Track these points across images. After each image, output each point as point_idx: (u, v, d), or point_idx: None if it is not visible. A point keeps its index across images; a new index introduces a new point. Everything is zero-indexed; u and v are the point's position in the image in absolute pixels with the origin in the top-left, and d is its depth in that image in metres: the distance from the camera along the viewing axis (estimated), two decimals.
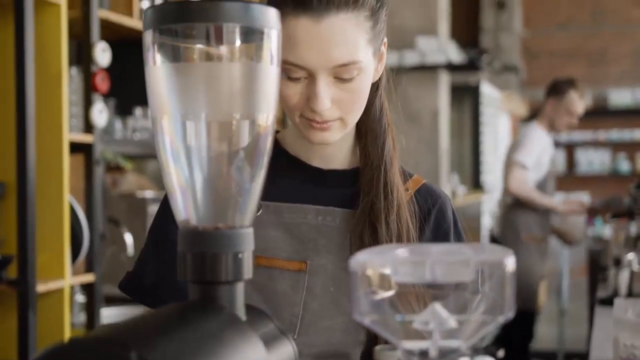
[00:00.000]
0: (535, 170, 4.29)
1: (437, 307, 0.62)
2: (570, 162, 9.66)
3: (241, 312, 0.68)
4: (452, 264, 0.60)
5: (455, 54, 6.19)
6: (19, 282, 2.54)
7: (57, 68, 2.68)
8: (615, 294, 2.74)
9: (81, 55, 2.96)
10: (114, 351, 0.53)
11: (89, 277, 2.89)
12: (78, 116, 2.88)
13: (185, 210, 0.69)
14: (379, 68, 1.20)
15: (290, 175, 1.23)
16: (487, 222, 6.85)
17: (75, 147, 2.82)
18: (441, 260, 0.60)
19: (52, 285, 2.66)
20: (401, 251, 0.64)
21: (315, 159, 1.24)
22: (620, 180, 9.09)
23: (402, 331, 0.62)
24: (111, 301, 3.07)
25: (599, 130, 9.49)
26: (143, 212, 3.33)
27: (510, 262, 0.60)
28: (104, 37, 2.97)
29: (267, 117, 0.69)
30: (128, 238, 3.19)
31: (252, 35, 0.67)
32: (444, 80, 6.09)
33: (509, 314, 0.60)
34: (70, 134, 2.76)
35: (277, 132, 1.24)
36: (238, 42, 0.67)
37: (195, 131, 0.68)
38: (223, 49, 0.67)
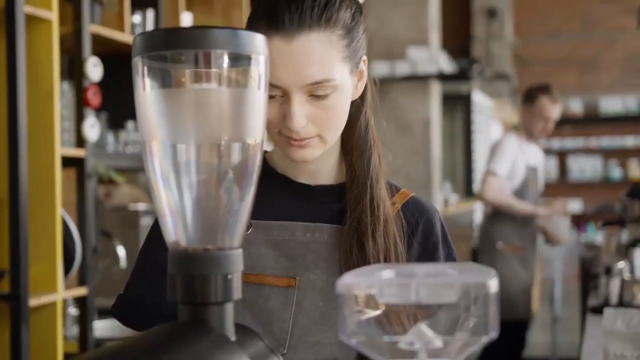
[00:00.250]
0: (510, 178, 4.30)
1: (423, 327, 0.63)
2: (562, 169, 9.71)
3: (230, 332, 0.69)
4: (437, 286, 0.62)
5: (446, 64, 6.22)
6: (12, 296, 2.55)
7: (49, 83, 2.69)
8: (606, 302, 2.75)
9: (73, 70, 2.97)
10: None
11: (81, 291, 2.89)
12: (70, 130, 2.89)
13: (175, 232, 0.70)
14: (358, 85, 1.22)
15: (279, 193, 1.24)
16: None
17: (67, 162, 2.83)
18: (426, 282, 0.62)
19: (44, 299, 2.66)
20: (387, 272, 0.65)
21: (302, 175, 1.25)
22: (612, 187, 9.13)
23: (388, 351, 0.63)
24: (104, 314, 3.07)
25: (590, 138, 9.54)
26: (135, 225, 3.33)
27: (493, 284, 0.61)
28: (96, 50, 2.99)
29: (255, 140, 0.71)
30: (120, 251, 3.19)
31: (240, 61, 0.69)
32: (436, 90, 6.12)
33: (493, 334, 0.62)
34: (62, 148, 2.77)
35: (265, 151, 1.25)
36: (226, 68, 0.68)
37: (185, 155, 0.69)
38: (212, 75, 0.68)
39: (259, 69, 0.70)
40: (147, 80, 0.69)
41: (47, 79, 2.69)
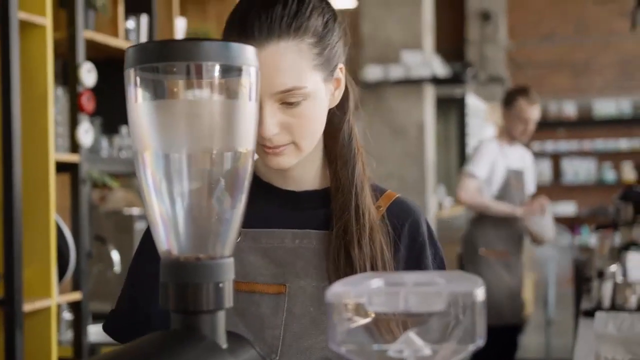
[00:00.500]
0: (489, 182, 4.31)
1: (412, 335, 0.64)
2: (556, 172, 9.73)
3: (222, 340, 0.70)
4: (425, 295, 0.63)
5: (440, 68, 6.24)
6: (6, 301, 2.55)
7: (43, 88, 2.70)
8: (599, 305, 2.75)
9: (67, 75, 2.98)
10: None
11: (75, 295, 2.90)
12: (64, 136, 2.90)
13: (167, 241, 0.71)
14: (335, 93, 1.23)
15: (265, 201, 1.25)
16: None
17: (61, 167, 2.83)
18: (414, 291, 0.63)
19: (39, 304, 2.66)
20: (376, 281, 0.66)
21: (286, 182, 1.26)
22: (606, 190, 9.16)
23: (378, 359, 0.64)
24: (98, 318, 3.08)
25: (584, 140, 9.56)
26: (130, 229, 3.34)
27: (480, 292, 0.62)
28: (90, 56, 2.99)
29: (246, 150, 0.72)
30: (115, 255, 3.20)
31: (231, 72, 0.70)
32: (430, 94, 6.13)
33: (480, 341, 0.63)
34: (56, 153, 2.77)
35: None
36: (217, 80, 0.69)
37: (177, 164, 0.70)
38: (203, 86, 0.69)
39: (250, 79, 0.71)
40: (140, 92, 0.70)
41: (41, 84, 2.70)
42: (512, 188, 4.34)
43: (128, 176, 3.85)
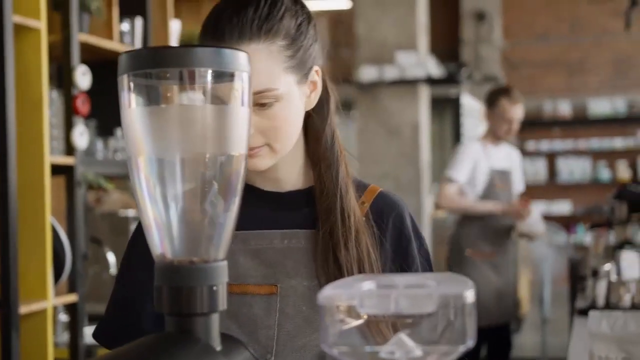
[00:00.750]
0: (471, 184, 4.30)
1: (403, 337, 0.65)
2: (552, 171, 9.74)
3: (216, 343, 0.71)
4: (416, 297, 0.64)
5: (434, 68, 6.25)
6: (2, 304, 2.55)
7: (38, 91, 2.70)
8: (593, 304, 2.76)
9: (62, 78, 2.98)
10: None
11: (71, 297, 2.90)
12: (59, 139, 2.90)
13: (161, 245, 0.72)
14: (311, 96, 1.23)
15: (250, 203, 1.26)
16: None
17: (56, 169, 2.84)
18: (405, 293, 0.63)
19: (35, 306, 2.67)
20: (367, 284, 0.67)
21: (270, 184, 1.27)
22: (601, 188, 9.17)
23: None
24: (94, 320, 3.08)
25: (579, 139, 9.58)
26: (125, 231, 3.34)
27: (470, 294, 0.63)
28: (84, 58, 3.00)
29: (239, 154, 0.73)
30: (110, 257, 3.20)
31: (223, 78, 0.71)
32: (424, 94, 6.14)
33: (470, 343, 0.63)
34: (52, 156, 2.78)
35: None
36: (210, 85, 0.70)
37: (170, 170, 0.71)
38: (196, 92, 0.70)
39: (242, 85, 0.72)
40: (133, 97, 0.71)
41: (36, 87, 2.70)
42: (496, 188, 4.34)
43: (123, 178, 3.85)
